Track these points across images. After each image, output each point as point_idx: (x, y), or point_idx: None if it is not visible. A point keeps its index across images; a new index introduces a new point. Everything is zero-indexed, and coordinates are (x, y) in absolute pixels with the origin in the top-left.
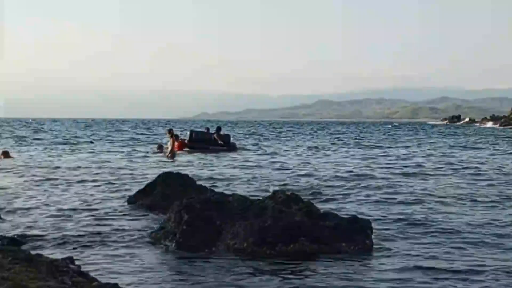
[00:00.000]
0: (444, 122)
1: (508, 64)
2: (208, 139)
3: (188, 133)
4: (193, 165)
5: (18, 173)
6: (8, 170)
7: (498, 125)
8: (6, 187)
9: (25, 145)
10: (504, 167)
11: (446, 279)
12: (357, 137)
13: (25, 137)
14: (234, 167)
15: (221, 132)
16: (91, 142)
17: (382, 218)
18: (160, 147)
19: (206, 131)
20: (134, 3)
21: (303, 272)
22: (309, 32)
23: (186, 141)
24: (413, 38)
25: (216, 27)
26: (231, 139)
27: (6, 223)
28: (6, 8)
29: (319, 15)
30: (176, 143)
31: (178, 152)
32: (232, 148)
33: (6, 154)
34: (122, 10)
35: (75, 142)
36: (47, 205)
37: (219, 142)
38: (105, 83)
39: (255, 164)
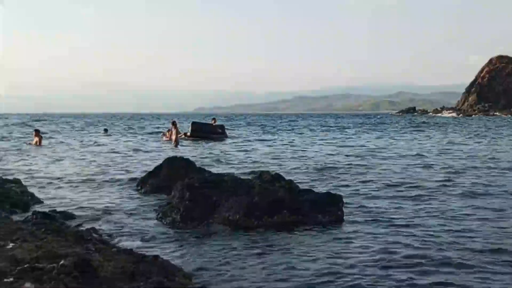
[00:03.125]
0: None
1: (453, 61)
2: (208, 129)
3: (190, 124)
4: (194, 150)
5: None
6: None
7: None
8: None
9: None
10: None
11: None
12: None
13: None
14: (229, 152)
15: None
16: (106, 130)
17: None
18: (164, 134)
19: (208, 122)
20: (137, 17)
21: (284, 239)
22: (287, 37)
23: (188, 133)
24: (372, 42)
25: (209, 35)
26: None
27: (42, 200)
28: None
29: (292, 28)
30: (177, 132)
31: (182, 138)
32: (226, 135)
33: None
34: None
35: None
36: (75, 181)
37: (218, 130)
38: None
39: (248, 148)
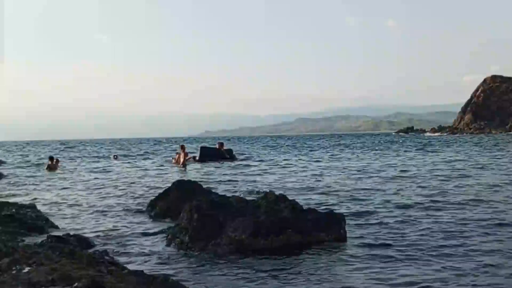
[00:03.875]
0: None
1: (449, 82)
2: (217, 153)
3: (199, 149)
4: (200, 172)
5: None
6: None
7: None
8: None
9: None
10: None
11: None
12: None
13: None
14: (234, 174)
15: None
16: (115, 157)
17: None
18: (174, 158)
19: (216, 147)
20: (134, 41)
21: (289, 258)
22: (289, 61)
23: (196, 157)
24: (371, 64)
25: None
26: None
27: (56, 224)
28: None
29: (296, 51)
30: (185, 156)
31: (191, 161)
32: (234, 159)
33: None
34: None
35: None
36: (87, 205)
37: (226, 155)
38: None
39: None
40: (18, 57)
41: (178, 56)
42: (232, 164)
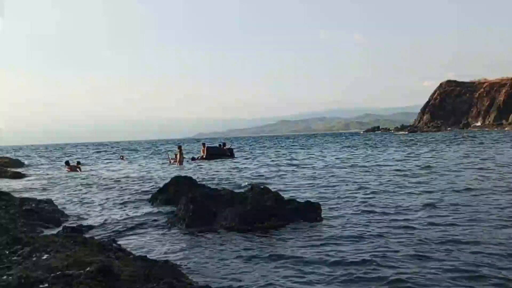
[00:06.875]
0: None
1: (410, 86)
2: (219, 151)
3: (205, 148)
4: (195, 169)
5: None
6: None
7: (406, 132)
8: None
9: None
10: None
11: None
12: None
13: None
14: (227, 170)
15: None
16: (122, 157)
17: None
18: (172, 158)
19: (219, 146)
20: (137, 49)
21: (272, 240)
22: (270, 68)
23: (198, 157)
24: (343, 73)
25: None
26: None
27: (70, 217)
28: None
29: (276, 61)
30: (181, 155)
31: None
32: (234, 156)
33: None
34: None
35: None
36: (98, 200)
37: (228, 153)
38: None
39: (243, 166)
40: (35, 71)
41: (174, 68)
42: (233, 160)
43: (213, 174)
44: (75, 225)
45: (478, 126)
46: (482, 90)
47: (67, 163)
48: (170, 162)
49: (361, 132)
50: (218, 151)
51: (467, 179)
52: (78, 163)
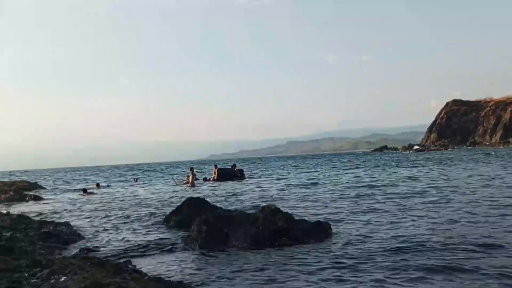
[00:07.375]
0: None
1: (417, 105)
2: (230, 173)
3: (216, 170)
4: (207, 190)
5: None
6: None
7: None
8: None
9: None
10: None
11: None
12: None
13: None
14: (238, 191)
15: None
16: (136, 179)
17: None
18: (185, 180)
19: (230, 167)
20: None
21: (285, 261)
22: (279, 94)
23: (209, 178)
24: (350, 94)
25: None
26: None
27: (87, 239)
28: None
29: (286, 84)
30: (194, 177)
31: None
32: (244, 177)
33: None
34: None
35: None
36: (114, 221)
37: (238, 174)
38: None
39: (253, 187)
40: (58, 96)
41: (187, 93)
42: (243, 181)
43: (225, 195)
44: (91, 246)
45: (485, 144)
46: (488, 108)
47: (84, 190)
48: (182, 183)
49: (369, 151)
50: (229, 172)
51: None
52: (98, 185)
